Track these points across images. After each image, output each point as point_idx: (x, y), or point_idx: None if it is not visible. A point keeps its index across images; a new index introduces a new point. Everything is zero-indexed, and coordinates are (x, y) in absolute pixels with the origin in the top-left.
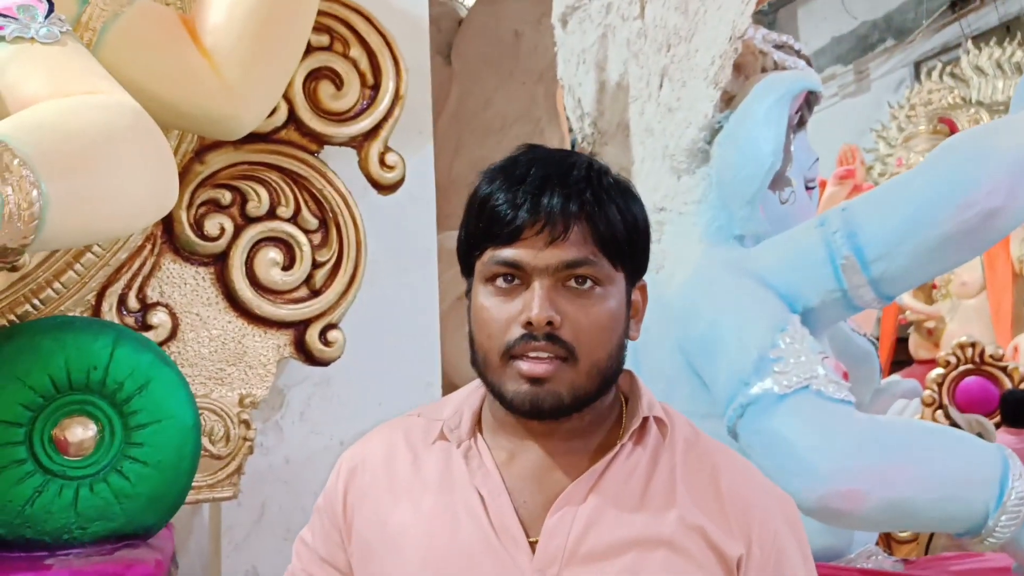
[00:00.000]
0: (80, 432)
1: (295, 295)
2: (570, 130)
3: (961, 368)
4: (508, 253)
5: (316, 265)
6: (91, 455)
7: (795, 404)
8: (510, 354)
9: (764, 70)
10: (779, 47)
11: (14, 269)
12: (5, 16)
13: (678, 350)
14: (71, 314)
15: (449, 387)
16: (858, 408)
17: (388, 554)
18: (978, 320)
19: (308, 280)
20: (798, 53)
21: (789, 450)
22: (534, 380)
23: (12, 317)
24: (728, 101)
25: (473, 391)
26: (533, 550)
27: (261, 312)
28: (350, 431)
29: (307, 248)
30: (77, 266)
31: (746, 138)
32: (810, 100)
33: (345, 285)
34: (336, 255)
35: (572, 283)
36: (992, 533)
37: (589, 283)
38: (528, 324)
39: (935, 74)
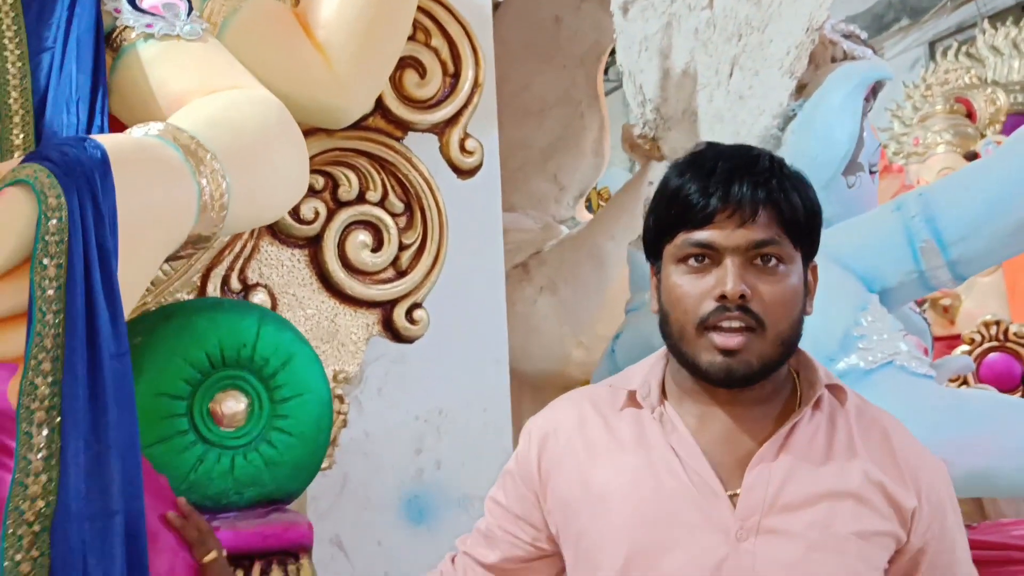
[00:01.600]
0: (233, 405)
1: (383, 276)
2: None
3: (986, 345)
4: (701, 235)
5: (402, 247)
6: (243, 426)
7: (880, 379)
8: (704, 325)
9: (834, 59)
10: (847, 36)
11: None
12: (153, 15)
13: None
14: (178, 296)
15: (514, 372)
16: None
17: (594, 510)
18: (994, 297)
19: (395, 261)
20: (864, 42)
21: None
22: (727, 352)
23: None
24: (800, 89)
25: (655, 363)
26: (732, 503)
27: (352, 292)
28: (424, 406)
29: (394, 231)
30: None
31: (823, 125)
32: (876, 88)
33: (429, 266)
34: (421, 237)
35: (759, 261)
36: None
37: (774, 261)
38: (722, 297)
39: (951, 53)
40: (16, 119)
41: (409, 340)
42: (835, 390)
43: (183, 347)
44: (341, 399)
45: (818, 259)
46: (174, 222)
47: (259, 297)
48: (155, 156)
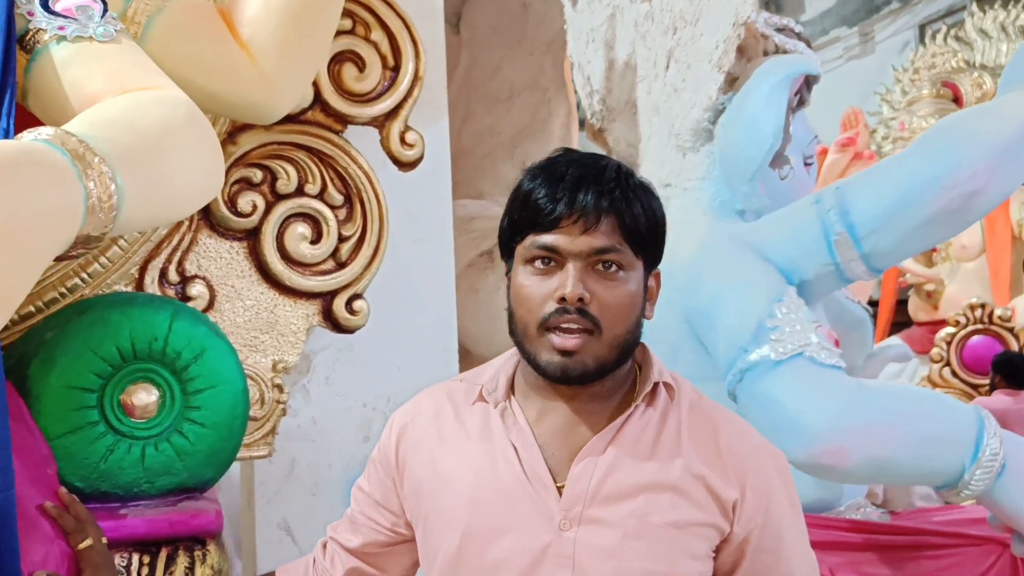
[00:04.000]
0: (144, 397)
1: (322, 267)
2: (578, 105)
3: (970, 328)
4: (547, 239)
5: (342, 239)
6: (155, 417)
7: (789, 369)
8: (546, 325)
9: (766, 53)
10: (780, 30)
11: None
12: (66, 17)
13: (683, 318)
14: (116, 287)
15: (462, 351)
16: (851, 372)
17: (439, 492)
18: (977, 283)
19: (334, 253)
20: (798, 36)
21: (782, 412)
22: (564, 352)
23: (63, 289)
24: (731, 83)
25: (507, 359)
26: (560, 493)
27: (291, 284)
28: (372, 393)
29: (333, 223)
30: (121, 242)
31: (748, 119)
32: (809, 81)
33: (369, 258)
34: (360, 229)
35: (600, 267)
36: (967, 486)
37: (614, 267)
38: (562, 299)
39: (939, 37)
40: None
41: (350, 330)
42: (668, 387)
43: (95, 341)
44: (281, 388)
45: (740, 249)
46: (58, 225)
47: (197, 289)
48: (39, 161)
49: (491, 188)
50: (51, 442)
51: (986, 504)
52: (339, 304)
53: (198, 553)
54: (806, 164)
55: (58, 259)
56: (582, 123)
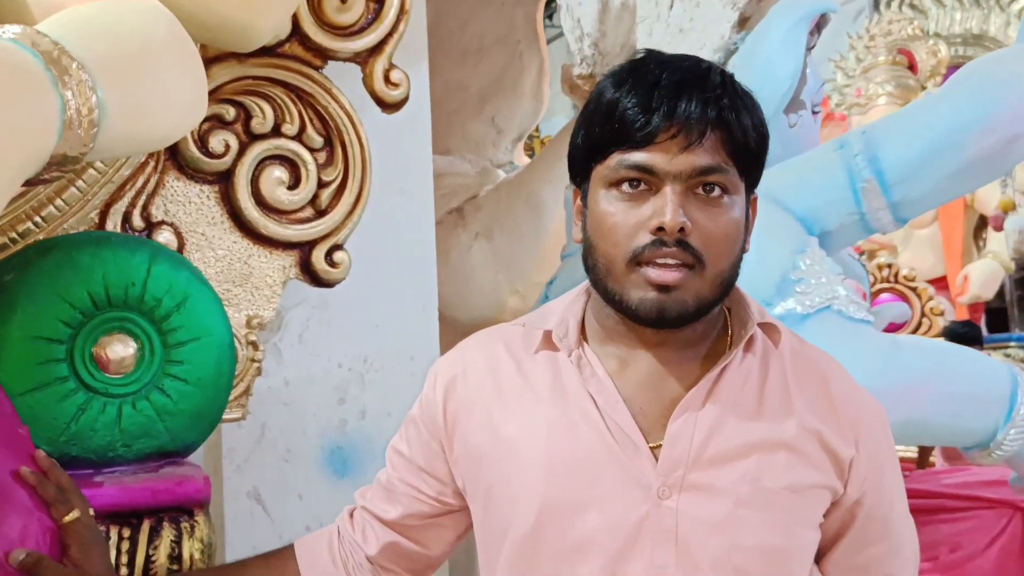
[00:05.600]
0: (120, 349)
1: (301, 215)
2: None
3: (879, 286)
4: (639, 157)
5: (321, 184)
6: (132, 372)
7: (817, 324)
8: (637, 260)
9: None
10: None
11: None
12: None
13: None
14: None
15: (446, 320)
16: None
17: (503, 462)
18: (930, 250)
19: (314, 200)
20: None
21: None
22: (661, 288)
23: (13, 235)
24: (742, 23)
25: (574, 300)
26: (654, 456)
27: (267, 232)
28: (348, 353)
29: (312, 167)
30: (79, 183)
31: (764, 60)
32: (820, 23)
33: (351, 205)
34: (342, 174)
35: (701, 191)
36: (1000, 446)
37: (718, 191)
38: (659, 230)
39: (894, 4)
40: None
41: (329, 284)
42: (768, 329)
43: (63, 285)
44: (255, 346)
45: (759, 199)
46: (28, 139)
47: (164, 236)
48: (5, 62)
49: (459, 144)
50: (14, 400)
51: (1015, 466)
52: (318, 255)
53: (185, 525)
54: (813, 112)
55: (28, 183)
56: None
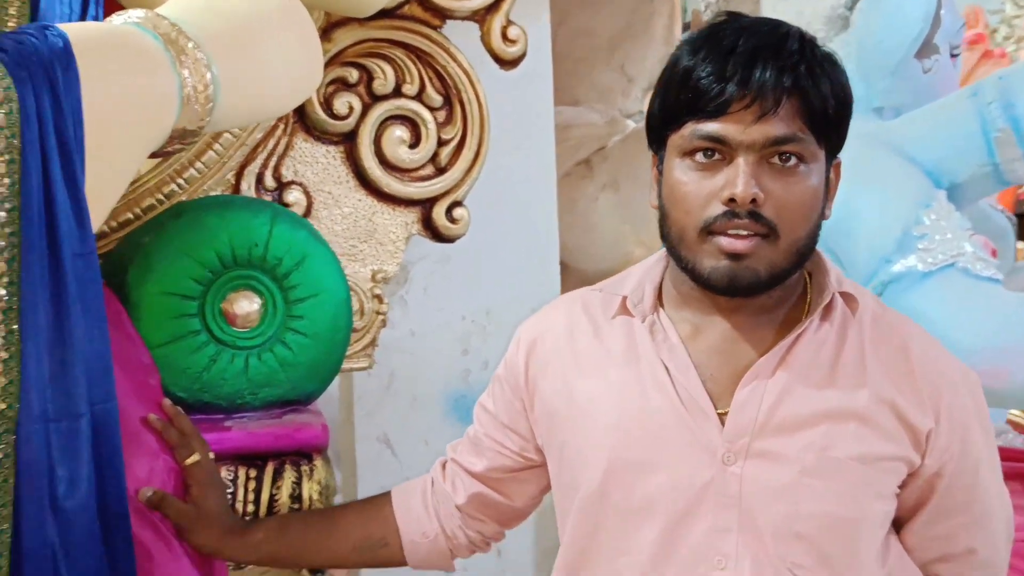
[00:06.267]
0: (246, 305)
1: (421, 173)
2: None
3: None
4: (712, 127)
5: (441, 143)
6: (257, 327)
7: (940, 282)
8: (708, 230)
9: None
10: None
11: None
12: None
13: None
14: (213, 193)
15: (570, 271)
16: None
17: (577, 422)
18: None
19: (434, 158)
20: None
21: (932, 328)
22: (733, 256)
23: (160, 196)
24: None
25: (653, 265)
26: (722, 422)
27: (389, 190)
28: (470, 306)
29: (432, 126)
30: (216, 146)
31: (894, 2)
32: None
33: (469, 163)
34: (460, 132)
35: (776, 160)
36: None
37: (794, 160)
38: (731, 201)
39: None
40: (11, 10)
41: (450, 239)
42: (848, 298)
43: (193, 245)
44: (380, 299)
45: (879, 150)
46: (152, 115)
47: (294, 195)
48: (130, 45)
49: (587, 94)
50: (152, 351)
51: None
52: (439, 212)
53: (305, 468)
54: (952, 55)
55: (153, 155)
56: (686, 26)
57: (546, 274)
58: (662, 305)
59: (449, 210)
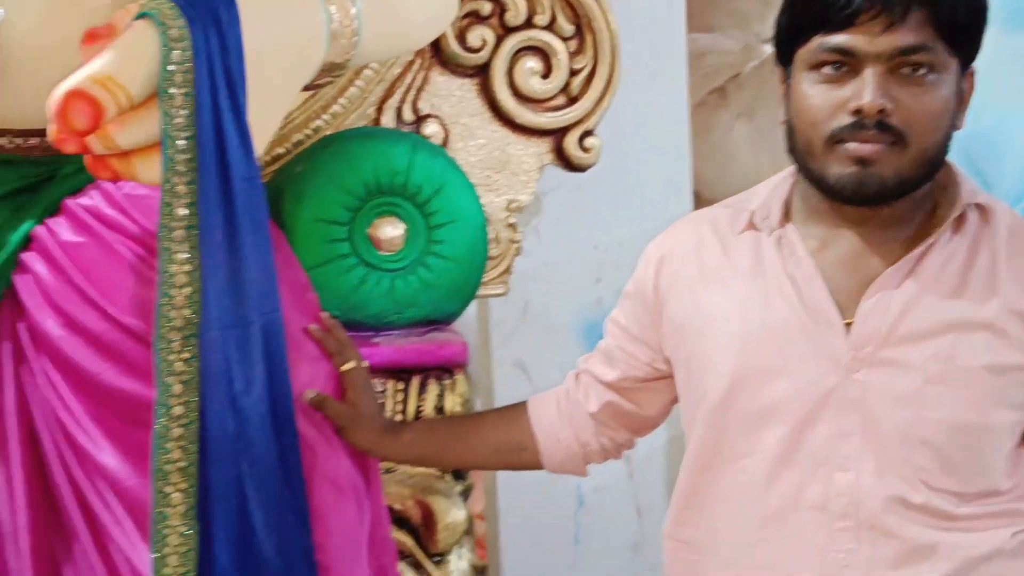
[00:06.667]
0: (390, 230)
1: (553, 103)
2: None
3: None
4: (839, 39)
5: (572, 73)
6: (401, 251)
7: None
8: (835, 140)
9: None
10: None
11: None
12: None
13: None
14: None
15: (702, 200)
16: None
17: (703, 331)
18: None
19: (565, 88)
20: None
21: None
22: (860, 162)
23: (308, 131)
24: None
25: (781, 181)
26: (847, 332)
27: (522, 121)
28: (603, 236)
29: (564, 56)
30: (358, 82)
31: None
32: None
33: (601, 91)
34: (592, 62)
35: (905, 70)
36: None
37: (923, 70)
38: (858, 111)
39: None
40: None
41: (582, 169)
42: (983, 209)
43: (340, 174)
44: (515, 228)
45: None
46: (304, 50)
47: (431, 128)
48: None
49: (722, 20)
50: (308, 272)
51: None
52: (571, 141)
53: (447, 382)
54: None
55: (305, 89)
56: None
57: (679, 204)
58: (789, 220)
59: (581, 140)
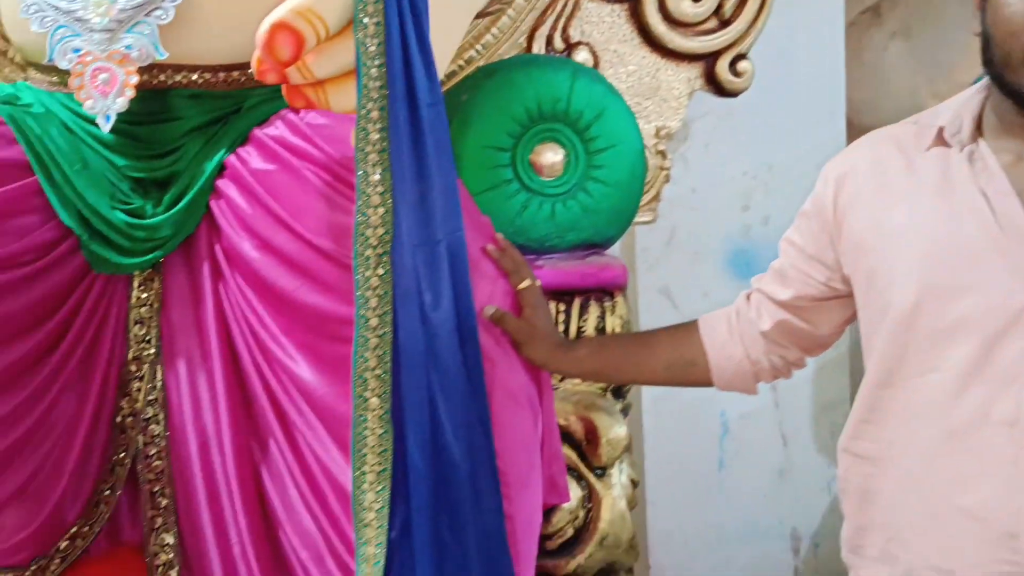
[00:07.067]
0: (551, 156)
1: (704, 27)
2: None
3: None
4: None
5: None
6: (561, 176)
7: None
8: None
9: None
10: None
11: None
12: None
13: None
14: (507, 56)
15: (855, 125)
16: None
17: (887, 247)
18: None
19: (717, 10)
20: None
21: None
22: None
23: (460, 62)
24: None
25: (971, 96)
26: None
27: (673, 45)
28: (752, 161)
29: None
30: (509, 11)
31: None
32: None
33: (754, 14)
34: None
35: None
36: None
37: None
38: None
39: None
40: None
41: (733, 93)
42: None
43: (505, 102)
44: (664, 155)
45: None
46: None
47: (581, 55)
48: None
49: None
50: (473, 198)
51: None
52: (722, 65)
53: (607, 304)
54: None
55: (479, 16)
56: None
57: (832, 128)
58: (981, 135)
59: (732, 64)
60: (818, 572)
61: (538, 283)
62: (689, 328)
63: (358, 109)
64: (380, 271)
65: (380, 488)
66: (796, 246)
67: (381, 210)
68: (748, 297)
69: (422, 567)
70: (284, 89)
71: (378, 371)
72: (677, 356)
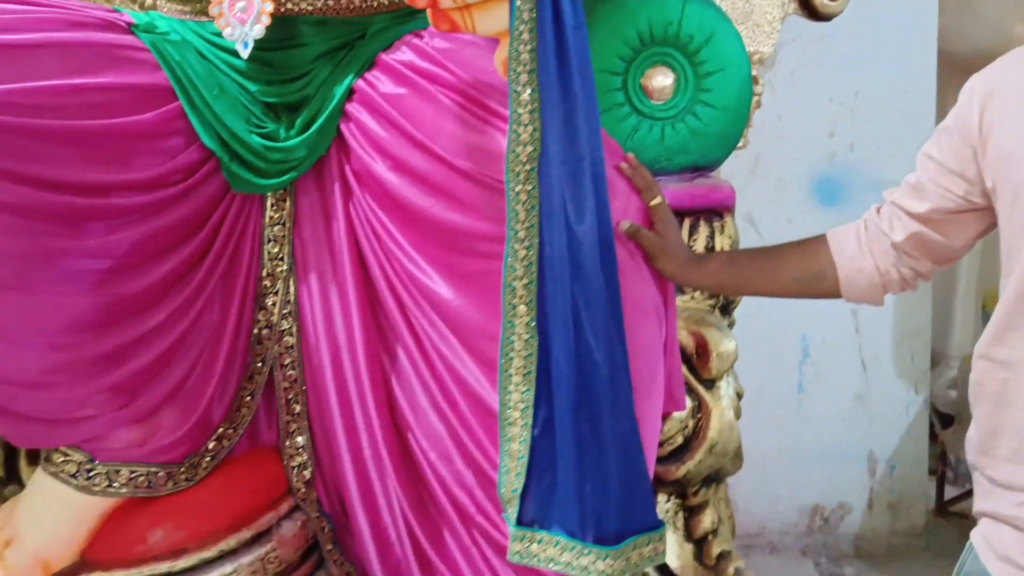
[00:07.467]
0: (662, 80)
1: None
2: None
3: None
4: None
5: None
6: (671, 99)
7: None
8: None
9: None
10: None
11: None
12: None
13: None
14: None
15: (941, 53)
16: None
17: None
18: None
19: None
20: None
21: None
22: None
23: None
24: None
25: None
26: None
27: None
28: (839, 88)
29: None
30: None
31: None
32: None
33: None
34: None
35: None
36: None
37: None
38: None
39: None
40: None
41: (827, 18)
42: None
43: (618, 26)
44: (756, 80)
45: None
46: None
47: None
48: None
49: None
50: None
51: None
52: None
53: (717, 224)
54: None
55: None
56: None
57: (923, 56)
58: None
59: None
60: (892, 493)
61: (666, 201)
62: (818, 241)
63: (511, 31)
64: (528, 186)
65: (525, 389)
66: (935, 161)
67: (530, 128)
68: (878, 210)
69: (564, 463)
70: (430, 13)
71: (525, 280)
72: (806, 269)
